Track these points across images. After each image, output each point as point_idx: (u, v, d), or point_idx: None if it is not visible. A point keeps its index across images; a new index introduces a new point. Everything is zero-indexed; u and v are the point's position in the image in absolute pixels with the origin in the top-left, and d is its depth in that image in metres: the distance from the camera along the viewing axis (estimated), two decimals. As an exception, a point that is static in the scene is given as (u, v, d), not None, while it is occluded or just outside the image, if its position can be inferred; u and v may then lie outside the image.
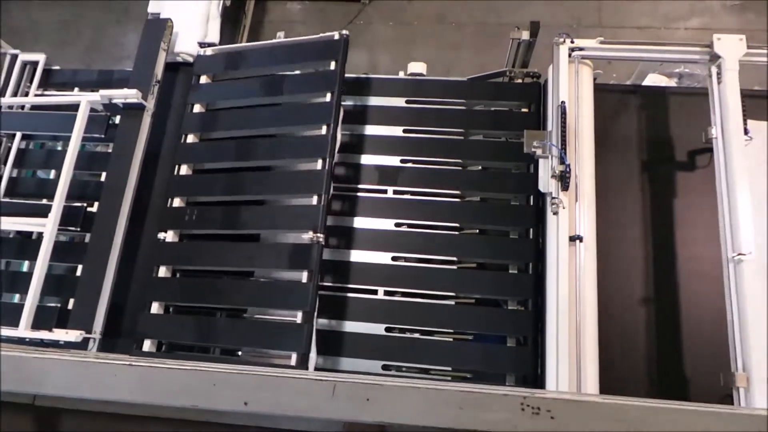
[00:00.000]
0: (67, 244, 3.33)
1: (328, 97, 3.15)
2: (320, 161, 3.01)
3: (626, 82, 3.37)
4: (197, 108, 3.39)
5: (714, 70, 2.87)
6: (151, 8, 3.70)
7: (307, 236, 2.82)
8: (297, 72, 3.36)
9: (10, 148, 3.45)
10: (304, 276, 2.82)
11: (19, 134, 3.48)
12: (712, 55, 2.88)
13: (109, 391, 0.81)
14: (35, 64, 3.61)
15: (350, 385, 0.78)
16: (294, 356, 2.70)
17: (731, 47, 2.85)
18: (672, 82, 3.28)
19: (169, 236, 3.12)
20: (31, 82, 3.60)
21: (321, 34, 3.32)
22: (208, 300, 3.02)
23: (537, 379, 2.75)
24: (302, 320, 2.76)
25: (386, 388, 0.77)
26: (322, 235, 2.83)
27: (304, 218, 2.90)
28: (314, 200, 2.95)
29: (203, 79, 3.45)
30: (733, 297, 2.55)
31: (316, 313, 2.79)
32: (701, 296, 2.86)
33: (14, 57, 3.63)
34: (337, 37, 3.26)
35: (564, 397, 0.77)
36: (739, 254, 2.53)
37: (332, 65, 3.22)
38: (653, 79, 3.29)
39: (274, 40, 3.44)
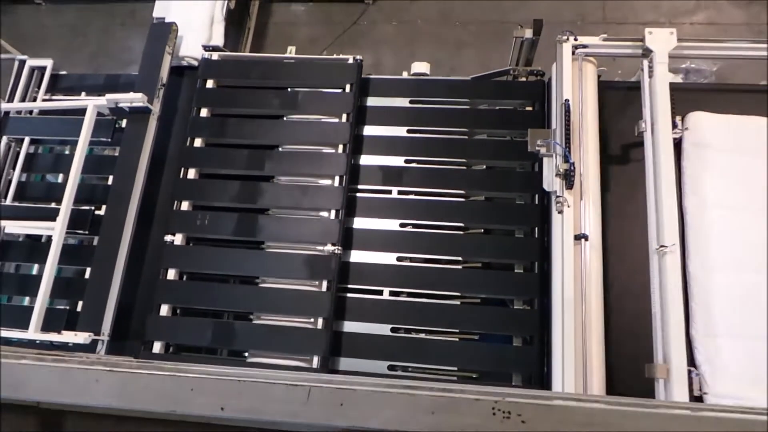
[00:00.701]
0: (75, 247, 3.36)
1: (344, 118, 3.26)
2: (337, 179, 3.14)
3: (631, 79, 3.34)
4: (204, 112, 3.40)
5: (646, 63, 2.87)
6: (156, 12, 3.73)
7: (327, 249, 2.99)
8: (312, 90, 3.40)
9: (18, 153, 3.50)
10: (323, 285, 2.98)
11: (27, 139, 3.52)
12: (644, 49, 2.89)
13: (90, 397, 0.82)
14: (43, 69, 3.65)
15: (324, 390, 0.78)
16: (316, 359, 2.84)
17: (661, 41, 2.86)
18: (678, 78, 3.25)
19: (177, 239, 3.14)
20: (39, 87, 3.63)
21: (335, 56, 3.46)
22: (224, 305, 3.08)
23: (543, 378, 2.74)
24: (323, 326, 2.90)
25: (359, 393, 0.77)
26: (340, 248, 2.99)
27: (323, 232, 3.05)
28: (332, 214, 3.08)
29: (209, 84, 3.47)
30: (656, 288, 2.56)
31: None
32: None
33: (22, 63, 3.67)
34: (351, 61, 3.37)
35: (535, 401, 0.76)
36: (662, 246, 2.53)
37: (347, 88, 3.32)
38: (659, 76, 3.26)
39: (285, 55, 3.48)
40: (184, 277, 3.17)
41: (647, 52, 2.88)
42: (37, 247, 3.33)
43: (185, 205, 3.21)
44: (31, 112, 3.58)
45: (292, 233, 3.10)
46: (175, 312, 3.10)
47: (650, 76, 2.84)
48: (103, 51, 4.71)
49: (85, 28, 4.94)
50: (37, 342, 2.98)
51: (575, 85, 2.90)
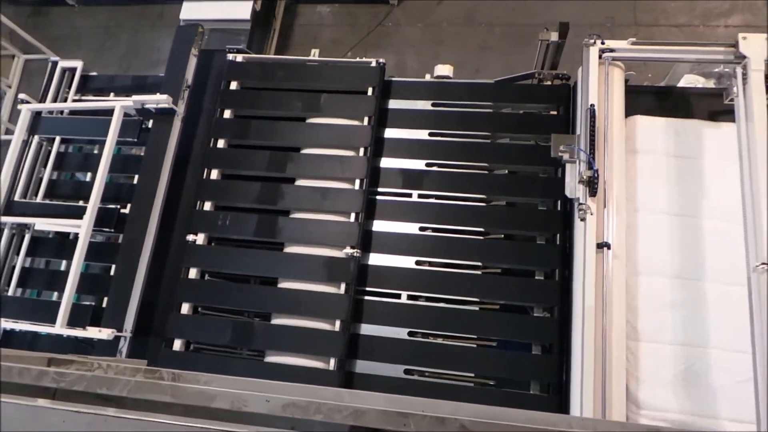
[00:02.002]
0: (102, 245, 3.44)
1: (365, 121, 3.25)
2: (358, 182, 3.13)
3: (661, 83, 3.25)
4: (227, 113, 3.43)
5: (739, 70, 2.75)
6: (183, 14, 3.78)
7: (346, 251, 3.00)
8: (334, 93, 3.40)
9: (50, 152, 3.59)
10: (342, 287, 2.98)
11: (58, 138, 3.61)
12: (737, 55, 2.76)
13: (56, 437, 0.83)
14: (74, 70, 3.74)
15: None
16: (332, 361, 2.87)
17: (757, 47, 2.72)
18: (710, 83, 3.14)
19: (199, 239, 3.18)
20: (70, 87, 3.72)
21: (357, 59, 3.47)
22: (243, 304, 3.11)
23: (562, 387, 2.70)
24: (340, 328, 2.91)
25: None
26: (359, 251, 2.99)
27: (342, 234, 3.05)
28: (352, 217, 3.09)
29: (233, 86, 3.50)
30: (756, 314, 2.34)
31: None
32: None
33: (54, 64, 3.76)
34: (374, 64, 3.38)
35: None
36: (763, 264, 2.37)
37: (369, 91, 3.32)
38: (689, 80, 3.16)
39: (308, 57, 3.49)
40: (206, 277, 3.21)
41: (740, 58, 2.75)
42: (65, 244, 3.42)
43: (207, 206, 3.25)
44: (62, 112, 3.67)
45: (311, 235, 3.11)
46: (197, 310, 3.15)
47: (744, 83, 2.71)
48: (133, 52, 4.81)
49: (116, 30, 5.06)
50: (64, 336, 3.07)
51: (601, 89, 2.83)
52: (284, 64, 3.54)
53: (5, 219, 3.31)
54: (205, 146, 3.39)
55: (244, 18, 4.13)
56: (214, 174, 3.32)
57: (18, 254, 3.41)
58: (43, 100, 3.65)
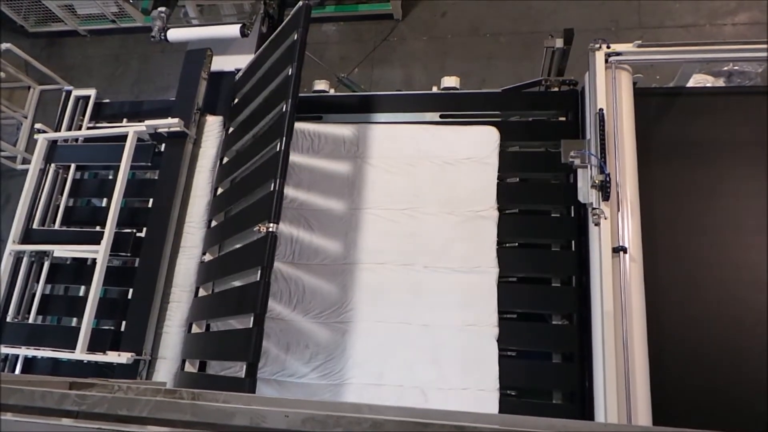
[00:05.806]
0: (119, 269, 3.47)
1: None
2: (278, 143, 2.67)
3: (669, 84, 3.23)
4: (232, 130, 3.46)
5: None
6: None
7: (260, 228, 2.49)
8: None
9: (66, 179, 3.64)
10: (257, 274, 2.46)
11: (73, 165, 3.67)
12: None
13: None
14: (87, 98, 3.80)
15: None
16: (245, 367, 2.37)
17: None
18: (719, 82, 3.12)
19: (207, 257, 3.19)
20: (84, 115, 3.78)
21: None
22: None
23: (585, 395, 2.66)
24: (252, 324, 2.37)
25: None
26: (274, 225, 2.47)
27: (261, 210, 2.62)
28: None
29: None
30: None
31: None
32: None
33: (68, 93, 3.83)
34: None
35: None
36: None
37: (294, 36, 2.88)
38: (698, 80, 3.14)
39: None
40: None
41: None
42: (83, 270, 3.45)
43: (214, 223, 3.26)
44: (77, 139, 3.73)
45: (237, 223, 2.98)
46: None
47: None
48: (144, 78, 4.91)
49: (127, 57, 5.17)
50: (85, 362, 3.09)
51: (609, 93, 2.83)
52: (252, 62, 3.47)
53: (24, 247, 3.36)
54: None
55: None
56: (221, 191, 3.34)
57: (38, 282, 3.44)
58: (58, 128, 3.72)
